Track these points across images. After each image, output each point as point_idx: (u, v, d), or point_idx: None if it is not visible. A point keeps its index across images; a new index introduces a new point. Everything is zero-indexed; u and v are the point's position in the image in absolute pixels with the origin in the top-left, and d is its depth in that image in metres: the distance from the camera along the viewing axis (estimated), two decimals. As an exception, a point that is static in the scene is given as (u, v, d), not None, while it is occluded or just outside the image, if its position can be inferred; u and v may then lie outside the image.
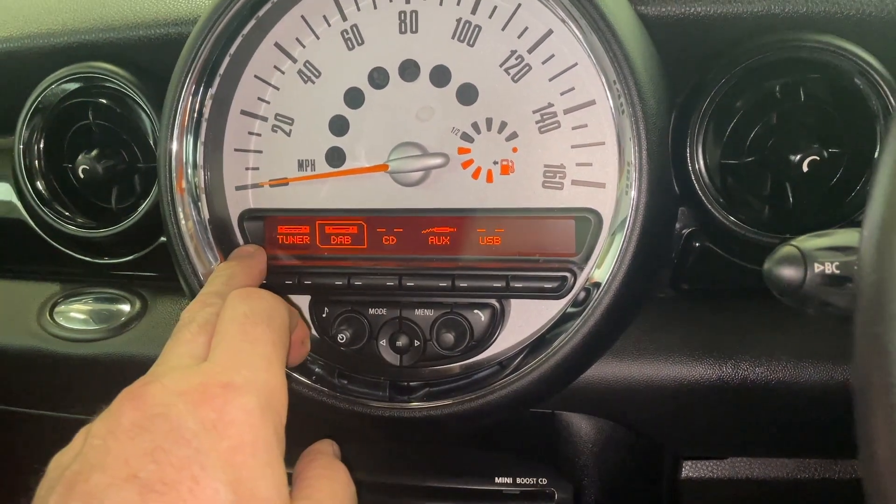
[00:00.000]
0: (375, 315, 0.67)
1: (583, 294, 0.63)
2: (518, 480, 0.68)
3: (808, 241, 0.46)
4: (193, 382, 0.42)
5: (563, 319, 0.64)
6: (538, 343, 0.65)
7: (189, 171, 0.70)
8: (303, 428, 0.73)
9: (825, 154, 0.62)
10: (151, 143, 0.78)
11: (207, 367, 0.44)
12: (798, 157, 0.62)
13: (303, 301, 0.69)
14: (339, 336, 0.66)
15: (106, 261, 0.80)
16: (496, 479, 0.69)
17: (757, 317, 0.65)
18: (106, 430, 0.40)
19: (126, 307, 0.76)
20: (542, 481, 0.68)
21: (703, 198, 0.64)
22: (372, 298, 0.67)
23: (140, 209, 0.75)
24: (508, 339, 0.66)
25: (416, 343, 0.66)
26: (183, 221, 0.69)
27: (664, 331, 0.66)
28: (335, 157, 0.70)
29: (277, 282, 0.68)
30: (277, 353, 0.48)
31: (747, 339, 0.64)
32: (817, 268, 0.45)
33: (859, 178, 0.64)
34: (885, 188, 0.32)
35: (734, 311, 0.66)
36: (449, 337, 0.64)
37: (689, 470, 0.72)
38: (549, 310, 0.65)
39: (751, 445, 0.70)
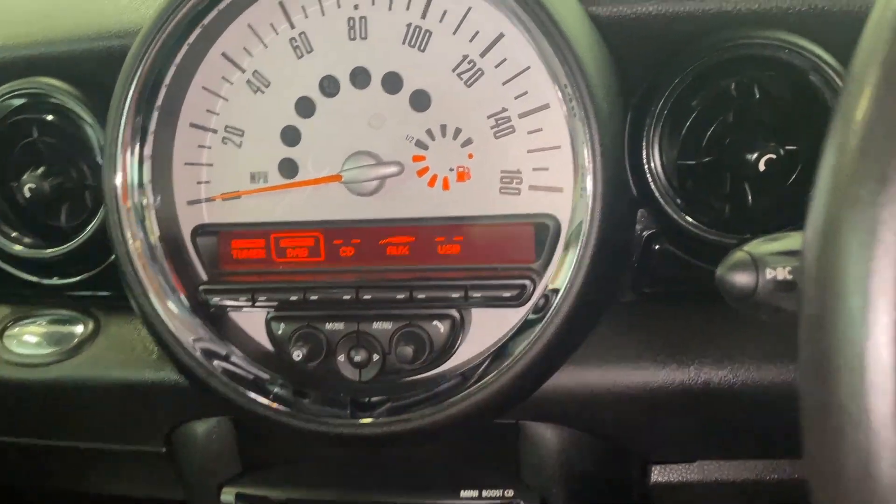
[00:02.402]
0: (332, 330, 0.66)
1: (542, 301, 0.62)
2: (484, 493, 0.67)
3: (760, 247, 0.45)
4: None
5: (524, 327, 0.63)
6: (499, 352, 0.63)
7: (135, 188, 0.68)
8: (262, 445, 0.72)
9: (782, 152, 0.61)
10: (99, 159, 0.76)
11: None
12: (755, 155, 0.61)
13: (259, 317, 0.68)
14: (295, 353, 0.64)
15: (57, 281, 0.78)
16: (461, 492, 0.67)
17: (719, 319, 0.64)
18: None
19: (79, 328, 0.74)
20: (507, 493, 0.67)
21: (660, 199, 0.63)
22: (329, 313, 0.66)
23: (89, 227, 0.73)
24: (469, 349, 0.65)
25: (375, 357, 0.65)
26: (130, 241, 0.67)
27: (626, 336, 0.65)
28: (288, 168, 0.68)
29: (231, 300, 0.67)
30: None
31: (710, 341, 0.63)
32: (769, 273, 0.44)
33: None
34: (825, 188, 0.31)
35: (696, 313, 0.65)
36: (408, 350, 0.63)
37: (658, 475, 0.71)
38: (510, 318, 0.64)
39: (718, 448, 0.69)
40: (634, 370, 0.64)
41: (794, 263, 0.44)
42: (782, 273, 0.44)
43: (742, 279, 0.44)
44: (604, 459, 0.69)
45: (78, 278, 0.76)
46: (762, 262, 0.44)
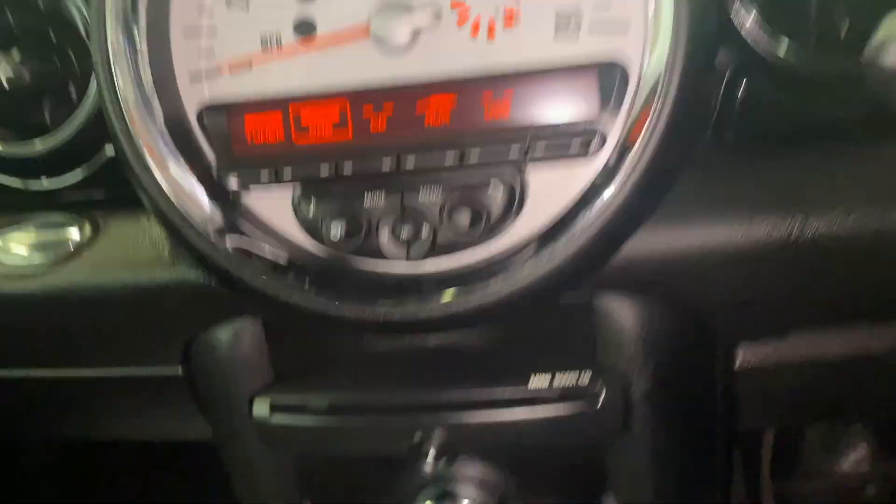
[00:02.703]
0: (372, 205, 0.57)
1: (614, 158, 0.53)
2: (557, 378, 0.59)
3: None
4: None
5: (592, 191, 0.54)
6: (567, 219, 0.55)
7: (132, 63, 0.58)
8: (296, 348, 0.64)
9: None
10: (87, 39, 0.66)
11: None
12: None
13: (283, 202, 0.59)
14: (333, 232, 0.56)
15: (44, 183, 0.68)
16: (531, 379, 0.59)
17: (818, 162, 0.56)
18: None
19: (74, 232, 0.65)
20: (585, 376, 0.59)
21: (746, 24, 0.54)
22: (366, 186, 0.57)
23: (79, 117, 0.63)
24: (530, 219, 0.56)
25: (425, 232, 0.56)
26: (131, 125, 0.58)
27: (712, 189, 0.56)
28: (305, 27, 0.59)
29: (252, 178, 0.58)
30: None
31: (812, 187, 0.55)
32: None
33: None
34: None
35: (790, 158, 0.57)
36: (463, 219, 0.54)
37: (745, 354, 0.63)
38: (573, 184, 0.55)
39: (817, 315, 0.60)
40: (724, 227, 0.55)
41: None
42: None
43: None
44: (688, 338, 0.61)
45: (68, 179, 0.67)
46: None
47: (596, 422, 0.61)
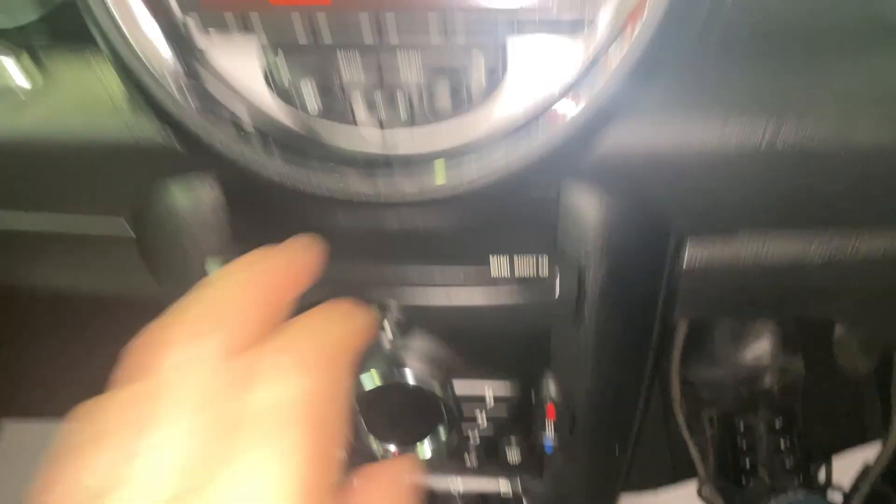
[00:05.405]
0: (350, 73, 0.54)
1: (603, 44, 0.52)
2: (516, 259, 0.60)
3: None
4: None
5: (578, 77, 0.53)
6: (547, 105, 0.54)
7: None
8: (257, 216, 0.62)
9: None
10: None
11: None
12: None
13: (252, 65, 0.55)
14: (307, 100, 0.53)
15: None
16: (490, 259, 0.60)
17: (800, 69, 0.56)
18: None
19: (21, 80, 0.60)
20: (542, 259, 0.60)
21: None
22: (344, 54, 0.54)
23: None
24: (510, 99, 0.54)
25: (401, 101, 0.54)
26: None
27: (691, 90, 0.56)
28: None
29: (219, 28, 0.54)
30: (315, 479, 0.34)
31: (789, 95, 0.55)
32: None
33: None
34: None
35: (774, 63, 0.57)
36: (441, 90, 0.53)
37: (693, 250, 0.66)
38: (561, 65, 0.53)
39: (768, 216, 0.63)
40: (698, 129, 0.56)
41: None
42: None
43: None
44: (644, 231, 0.63)
45: (20, 20, 0.61)
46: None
47: (550, 309, 0.63)
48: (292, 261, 0.47)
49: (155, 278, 0.71)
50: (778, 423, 1.52)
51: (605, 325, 0.66)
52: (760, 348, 1.56)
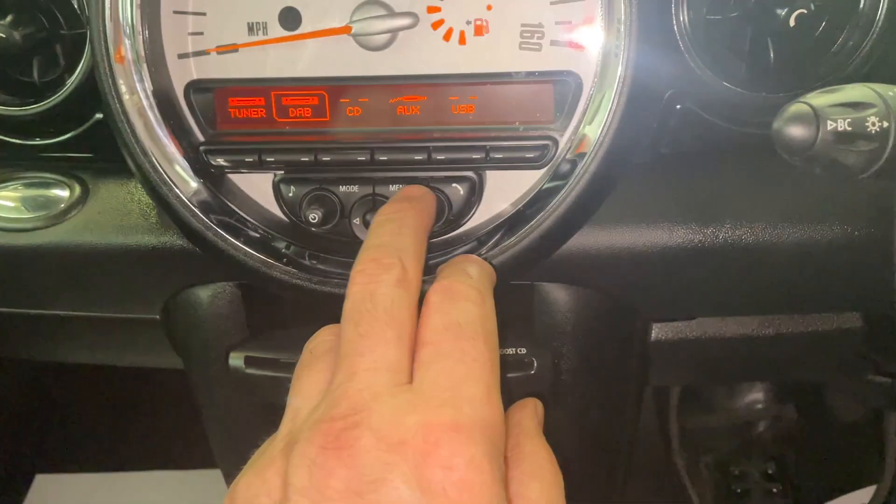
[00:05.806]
0: (347, 192, 0.63)
1: (568, 166, 0.60)
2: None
3: (820, 98, 0.44)
4: (411, 425, 0.35)
5: (545, 191, 0.62)
6: (519, 216, 0.62)
7: (127, 36, 0.62)
8: (271, 311, 0.71)
9: (812, 6, 0.60)
10: (75, 4, 0.68)
11: (420, 397, 0.37)
12: (786, 10, 0.60)
13: (263, 182, 0.65)
14: (311, 216, 0.62)
15: (35, 142, 0.72)
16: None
17: (736, 179, 0.65)
18: (314, 491, 0.34)
19: (64, 192, 0.69)
20: (520, 350, 0.68)
21: (688, 55, 0.61)
22: (342, 175, 0.63)
23: (70, 81, 0.67)
24: (486, 213, 0.64)
25: None
26: (126, 95, 0.62)
27: (646, 197, 0.65)
28: (290, 18, 0.63)
29: (235, 159, 0.63)
30: (496, 379, 0.40)
31: (728, 202, 0.64)
32: (829, 125, 0.44)
33: (839, 34, 0.62)
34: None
35: (714, 172, 0.65)
36: None
37: (658, 332, 0.74)
38: (527, 181, 0.63)
39: (721, 305, 0.71)
40: (653, 231, 0.64)
41: (854, 115, 0.44)
42: (843, 125, 0.44)
43: (801, 132, 0.44)
44: (611, 318, 0.71)
45: (58, 139, 0.70)
46: (823, 114, 0.44)
47: (528, 384, 0.71)
48: (429, 205, 0.57)
49: (178, 354, 0.80)
50: (770, 469, 1.57)
51: (581, 396, 0.74)
52: (754, 397, 1.62)
